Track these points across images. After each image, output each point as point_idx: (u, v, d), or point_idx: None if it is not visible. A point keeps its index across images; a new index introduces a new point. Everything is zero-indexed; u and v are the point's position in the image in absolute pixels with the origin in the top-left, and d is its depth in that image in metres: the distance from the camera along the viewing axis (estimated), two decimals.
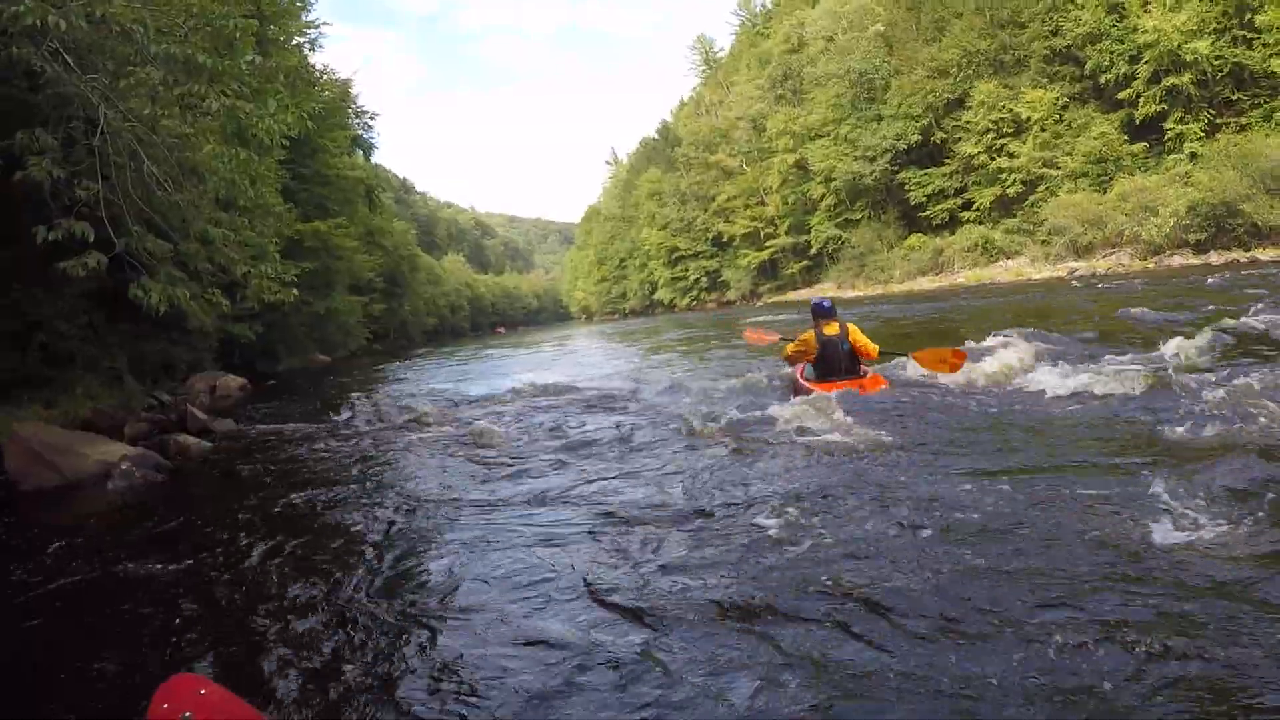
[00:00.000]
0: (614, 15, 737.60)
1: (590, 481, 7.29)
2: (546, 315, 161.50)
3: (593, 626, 4.20)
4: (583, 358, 27.49)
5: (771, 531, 5.15)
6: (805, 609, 4.03)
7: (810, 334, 10.10)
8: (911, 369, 10.40)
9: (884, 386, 9.41)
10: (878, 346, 10.04)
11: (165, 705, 2.07)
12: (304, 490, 8.59)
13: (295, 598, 5.25)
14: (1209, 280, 23.35)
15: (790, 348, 10.49)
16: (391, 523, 6.89)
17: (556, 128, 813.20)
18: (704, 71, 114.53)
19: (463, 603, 4.79)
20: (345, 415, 14.21)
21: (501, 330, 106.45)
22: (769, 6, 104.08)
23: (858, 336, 9.97)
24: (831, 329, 9.98)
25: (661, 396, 12.17)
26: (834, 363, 9.92)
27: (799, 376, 10.42)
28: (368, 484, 8.67)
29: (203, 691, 2.15)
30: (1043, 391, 8.48)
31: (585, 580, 4.84)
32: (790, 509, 5.47)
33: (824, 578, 4.34)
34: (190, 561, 6.28)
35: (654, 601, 4.37)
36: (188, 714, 2.01)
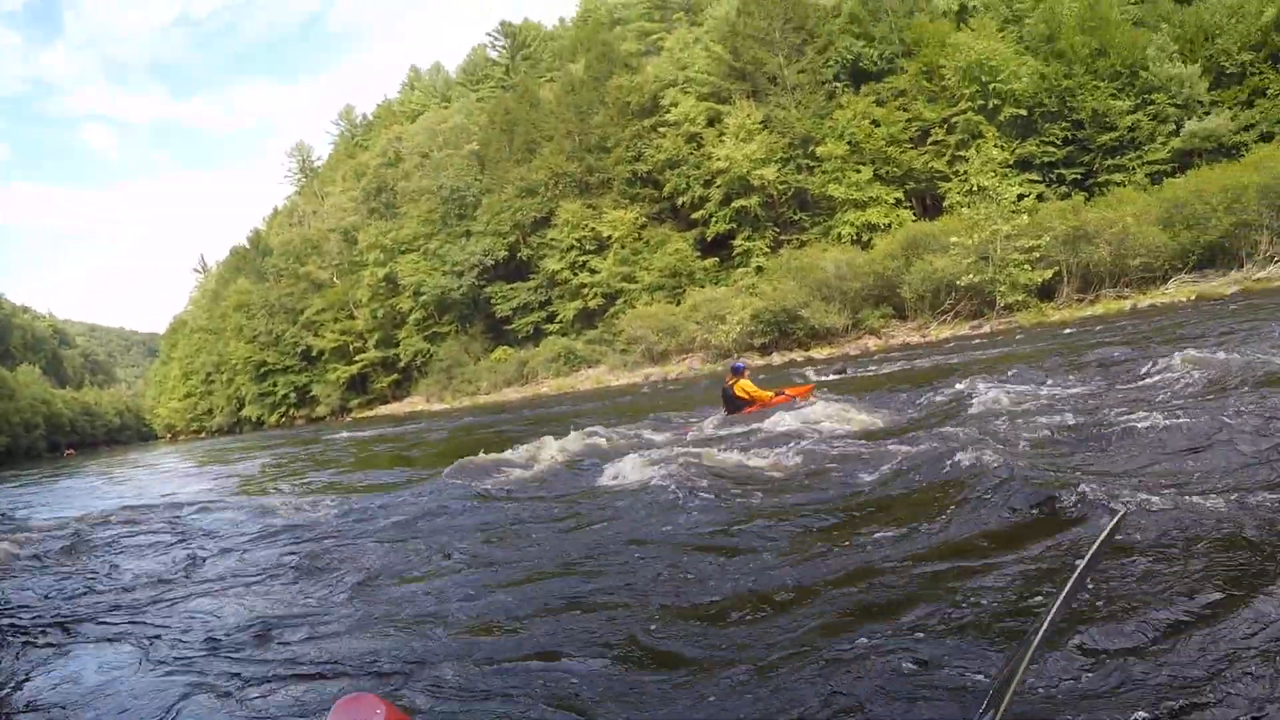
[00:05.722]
0: (215, 113, 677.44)
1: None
2: (129, 434, 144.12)
3: None
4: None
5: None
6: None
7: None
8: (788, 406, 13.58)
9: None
10: (769, 393, 14.16)
11: None
12: None
13: None
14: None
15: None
16: None
17: (145, 229, 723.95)
18: (300, 180, 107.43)
19: None
20: None
21: (72, 452, 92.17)
22: (369, 118, 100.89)
23: (744, 388, 13.95)
24: (731, 382, 14.09)
25: None
26: (728, 404, 14.22)
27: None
28: None
29: (379, 711, 1.97)
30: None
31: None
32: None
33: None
34: None
35: None
36: None
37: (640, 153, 55.86)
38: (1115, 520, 2.86)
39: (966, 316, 37.80)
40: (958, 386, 12.37)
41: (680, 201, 53.26)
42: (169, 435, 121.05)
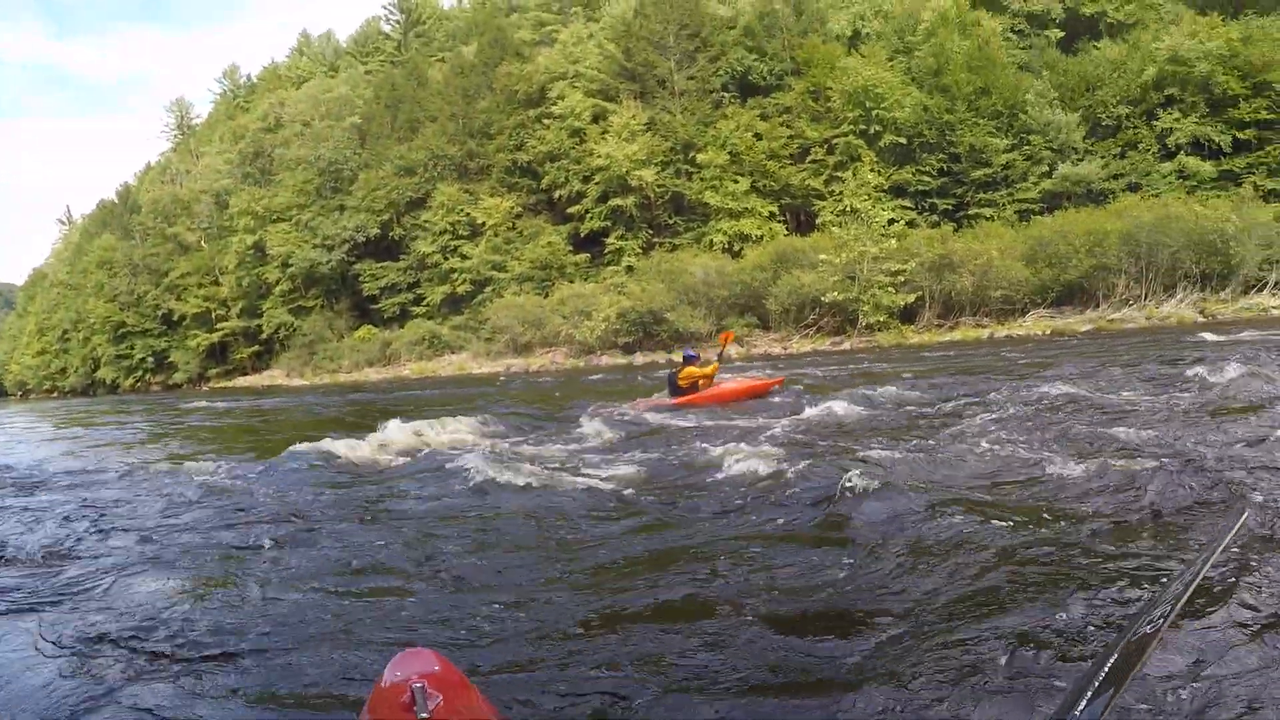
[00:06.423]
0: (95, 58, 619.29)
1: None
2: None
3: None
4: None
5: None
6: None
7: None
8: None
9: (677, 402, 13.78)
10: (713, 367, 14.47)
11: (398, 673, 2.07)
12: None
13: None
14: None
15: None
16: None
17: (11, 175, 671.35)
18: (176, 136, 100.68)
19: None
20: None
21: None
22: (254, 80, 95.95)
23: (686, 373, 14.11)
24: (676, 369, 14.43)
25: None
26: (671, 390, 14.30)
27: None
28: None
29: (436, 667, 2.11)
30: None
31: None
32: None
33: None
34: None
35: None
36: (419, 684, 1.97)
37: (522, 142, 54.15)
38: (1242, 517, 2.87)
39: (829, 332, 37.50)
40: (865, 393, 12.42)
41: (557, 195, 51.91)
42: (20, 394, 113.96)
